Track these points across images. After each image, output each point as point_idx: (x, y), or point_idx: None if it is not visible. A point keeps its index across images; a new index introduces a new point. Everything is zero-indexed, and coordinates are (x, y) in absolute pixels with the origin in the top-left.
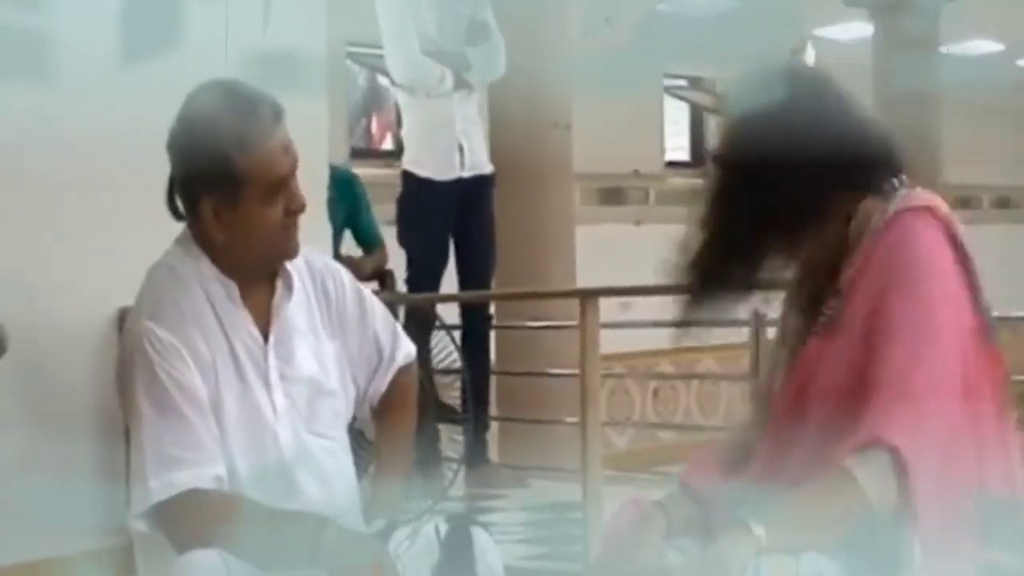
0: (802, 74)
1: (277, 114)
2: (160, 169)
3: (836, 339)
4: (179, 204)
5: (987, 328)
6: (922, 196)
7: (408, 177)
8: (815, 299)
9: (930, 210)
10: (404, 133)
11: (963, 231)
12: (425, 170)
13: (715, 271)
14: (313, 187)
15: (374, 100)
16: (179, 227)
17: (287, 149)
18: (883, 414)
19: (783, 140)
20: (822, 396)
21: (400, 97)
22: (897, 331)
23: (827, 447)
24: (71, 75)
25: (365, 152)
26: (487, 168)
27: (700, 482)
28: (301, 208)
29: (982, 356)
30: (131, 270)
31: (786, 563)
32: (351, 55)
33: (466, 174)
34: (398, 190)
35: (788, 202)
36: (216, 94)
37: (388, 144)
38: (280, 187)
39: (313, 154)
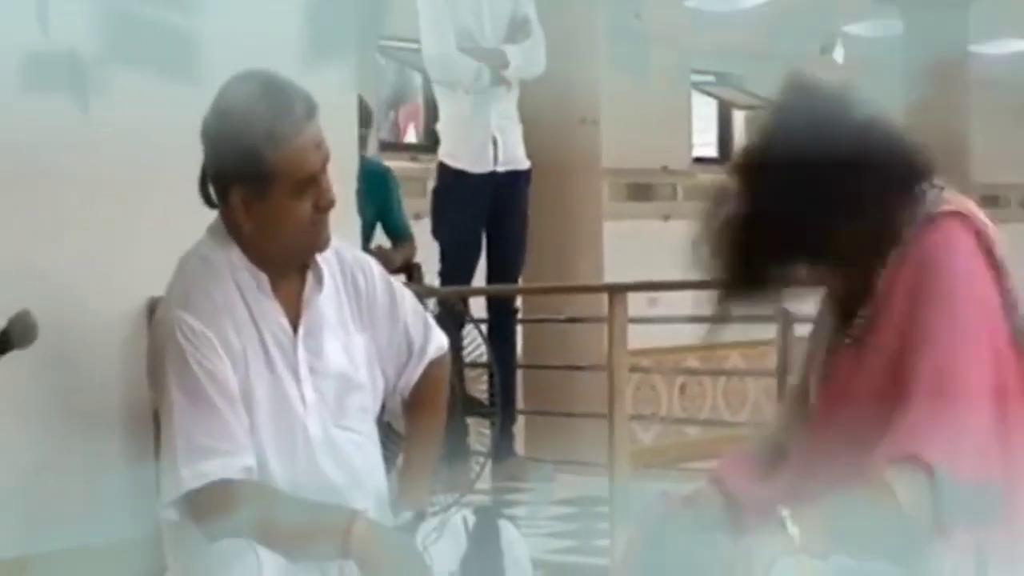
0: (820, 86)
1: (310, 110)
2: (189, 162)
3: (870, 345)
4: (211, 192)
5: (1018, 333)
6: (954, 200)
7: (443, 169)
8: (846, 302)
9: (961, 215)
10: (440, 126)
11: (996, 235)
12: (459, 162)
13: (748, 271)
14: (343, 181)
15: (403, 94)
16: (208, 219)
17: (319, 145)
18: (919, 428)
19: (811, 143)
20: (857, 403)
21: (437, 90)
22: (932, 340)
23: (862, 452)
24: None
25: (393, 145)
26: (523, 164)
27: (733, 480)
28: (330, 204)
29: (1013, 362)
30: (160, 260)
31: (812, 566)
32: (380, 48)
33: (500, 169)
34: (424, 184)
35: (819, 203)
36: (251, 86)
37: (411, 137)
38: (310, 183)
39: (344, 148)
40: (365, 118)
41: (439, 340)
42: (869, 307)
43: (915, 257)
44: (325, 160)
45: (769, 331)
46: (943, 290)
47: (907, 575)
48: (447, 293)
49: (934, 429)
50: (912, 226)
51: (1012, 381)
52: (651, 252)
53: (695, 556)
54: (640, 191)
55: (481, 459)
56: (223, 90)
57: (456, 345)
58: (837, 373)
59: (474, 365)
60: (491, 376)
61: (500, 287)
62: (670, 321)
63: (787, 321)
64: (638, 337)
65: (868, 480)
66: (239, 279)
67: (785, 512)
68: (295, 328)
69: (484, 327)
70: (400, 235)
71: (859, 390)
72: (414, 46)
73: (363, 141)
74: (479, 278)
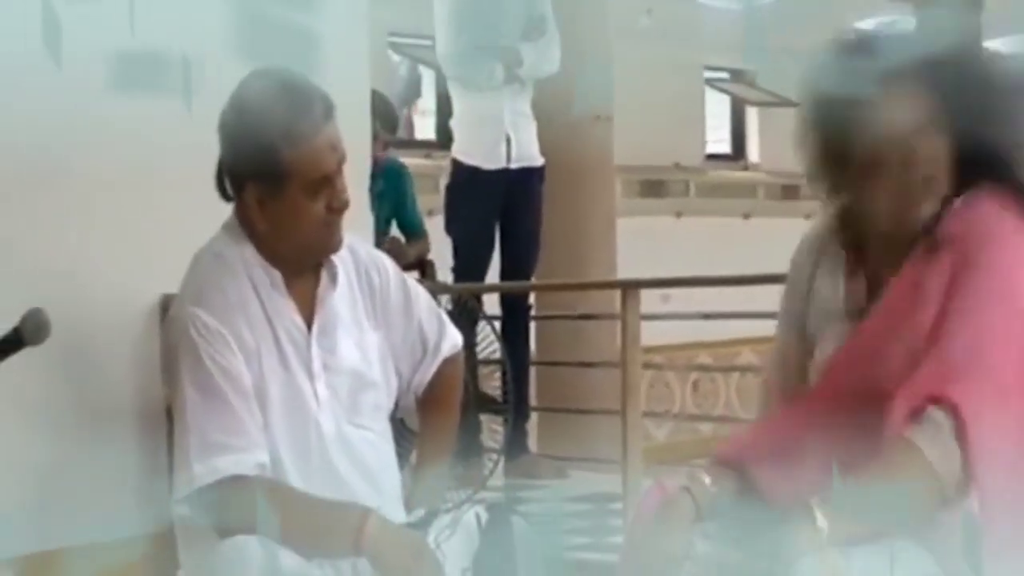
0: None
1: (328, 110)
2: (203, 159)
3: (905, 308)
4: (227, 186)
5: None
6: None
7: (456, 165)
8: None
9: (999, 194)
10: (453, 122)
11: None
12: (473, 159)
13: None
14: (356, 178)
15: (415, 90)
16: (221, 216)
17: (335, 146)
18: (946, 373)
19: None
20: (882, 360)
21: (451, 87)
22: (972, 301)
23: (878, 416)
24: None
25: (406, 142)
26: (536, 161)
27: (745, 454)
28: (344, 205)
29: None
30: (174, 257)
31: (836, 565)
32: (392, 45)
33: (513, 165)
34: (437, 180)
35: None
36: (270, 84)
37: (417, 134)
38: (324, 184)
39: (357, 145)
40: (391, 122)
41: (453, 338)
42: (919, 263)
43: (962, 230)
44: (341, 161)
45: None
46: (988, 260)
47: (931, 554)
48: (460, 290)
49: (962, 374)
50: (961, 200)
51: None
52: (664, 249)
53: (694, 549)
54: (653, 188)
55: (494, 456)
56: (241, 86)
57: (469, 342)
58: (871, 324)
59: (487, 362)
60: (504, 373)
61: (513, 284)
62: (683, 318)
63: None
64: (651, 334)
65: (890, 444)
66: (253, 276)
67: (814, 503)
68: (309, 325)
69: (497, 324)
70: (414, 231)
71: (890, 349)
72: (427, 43)
73: (387, 145)
74: (492, 275)
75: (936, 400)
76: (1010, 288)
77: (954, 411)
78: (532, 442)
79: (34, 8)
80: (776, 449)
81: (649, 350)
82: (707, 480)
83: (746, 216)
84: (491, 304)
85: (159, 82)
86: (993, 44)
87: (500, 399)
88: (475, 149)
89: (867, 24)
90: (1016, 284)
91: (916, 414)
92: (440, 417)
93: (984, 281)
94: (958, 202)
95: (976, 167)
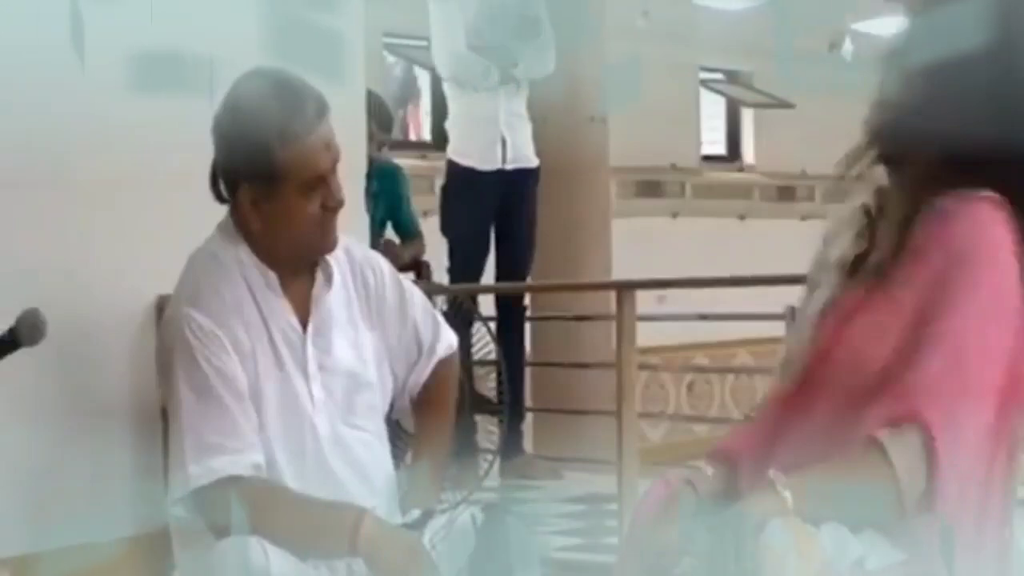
0: None
1: (321, 110)
2: (199, 159)
3: (880, 300)
4: (221, 188)
5: None
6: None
7: (452, 166)
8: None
9: (994, 199)
10: (448, 123)
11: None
12: (468, 160)
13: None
14: (351, 179)
15: (411, 91)
16: (216, 217)
17: (329, 145)
18: (924, 389)
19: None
20: (851, 352)
21: (446, 88)
22: (952, 309)
23: (852, 409)
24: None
25: (402, 143)
26: (532, 162)
27: (735, 452)
28: (339, 204)
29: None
30: (169, 257)
31: (808, 529)
32: (388, 46)
33: (509, 166)
34: (433, 181)
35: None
36: (263, 84)
37: (412, 135)
38: (319, 183)
39: (352, 146)
40: (386, 122)
41: (449, 339)
42: (889, 255)
43: (946, 232)
44: (335, 160)
45: (777, 328)
46: (973, 266)
47: (897, 545)
48: (456, 291)
49: (939, 393)
50: (946, 202)
51: (1014, 372)
52: (659, 250)
53: (694, 543)
54: (649, 188)
55: (490, 457)
56: (235, 87)
57: (465, 343)
58: (836, 316)
59: (483, 363)
60: (499, 374)
61: (509, 285)
62: (678, 319)
63: (794, 319)
64: (646, 335)
65: (862, 443)
66: (248, 277)
67: (775, 474)
68: (304, 326)
69: (493, 325)
70: (409, 232)
71: (856, 340)
72: (422, 43)
73: (381, 145)
74: (488, 276)
75: (912, 418)
76: (994, 302)
77: (928, 433)
78: (527, 443)
79: (33, 9)
80: (757, 443)
81: (644, 351)
82: (710, 472)
83: (741, 217)
84: (486, 305)
85: (166, 82)
86: (864, 26)
87: (495, 400)
88: (470, 150)
89: (864, 26)
90: (1000, 298)
91: (892, 423)
92: (435, 418)
93: (969, 293)
94: (946, 202)
95: (968, 168)
